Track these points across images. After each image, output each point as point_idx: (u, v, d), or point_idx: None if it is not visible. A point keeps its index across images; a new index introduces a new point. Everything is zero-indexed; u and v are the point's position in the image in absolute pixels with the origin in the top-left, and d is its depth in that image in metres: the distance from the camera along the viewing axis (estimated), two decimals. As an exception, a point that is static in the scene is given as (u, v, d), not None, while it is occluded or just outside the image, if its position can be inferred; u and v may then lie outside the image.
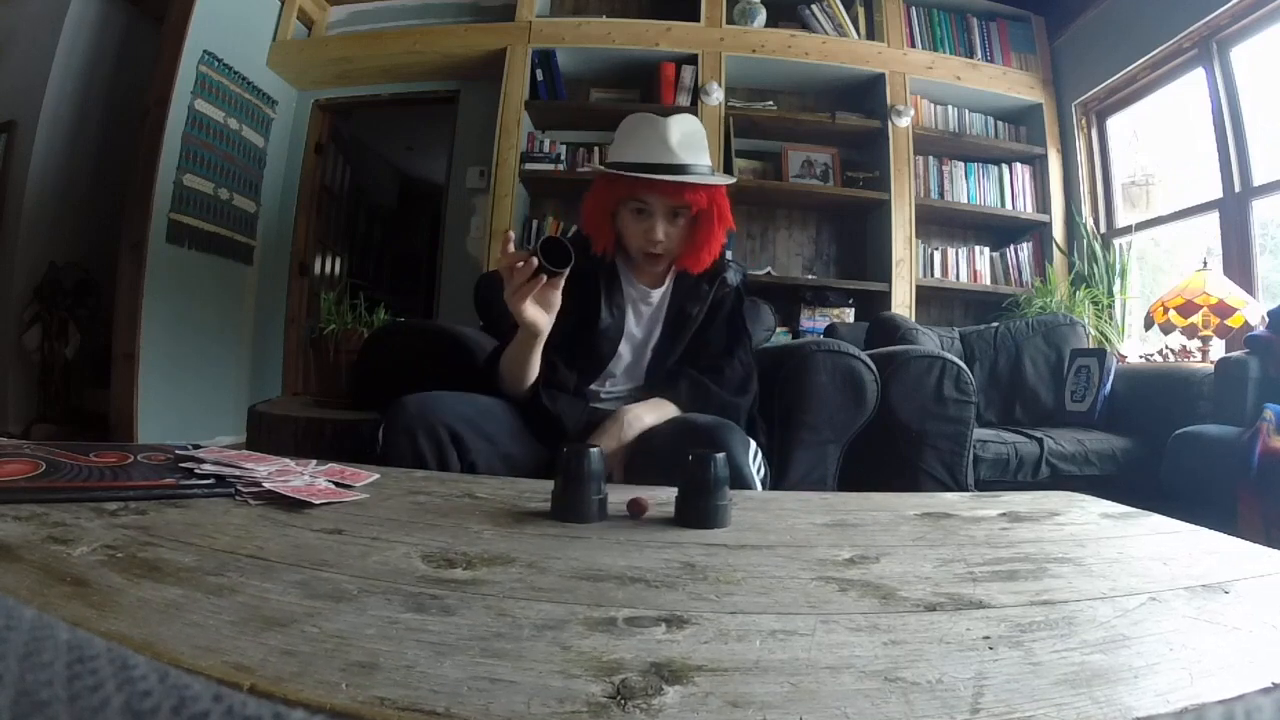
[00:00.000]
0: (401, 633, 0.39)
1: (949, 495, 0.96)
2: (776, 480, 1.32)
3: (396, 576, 0.48)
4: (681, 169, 1.11)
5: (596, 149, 3.16)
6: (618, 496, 0.75)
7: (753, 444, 1.08)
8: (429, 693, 0.32)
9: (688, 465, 0.71)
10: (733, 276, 1.26)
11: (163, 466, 0.74)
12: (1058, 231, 3.26)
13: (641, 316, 1.25)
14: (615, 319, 1.21)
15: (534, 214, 3.36)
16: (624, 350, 1.24)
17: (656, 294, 1.25)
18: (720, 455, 0.71)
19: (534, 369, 1.12)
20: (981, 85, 3.31)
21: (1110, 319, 2.88)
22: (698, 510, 0.70)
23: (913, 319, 2.81)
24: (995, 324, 2.68)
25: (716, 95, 3.11)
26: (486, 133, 3.22)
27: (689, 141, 1.14)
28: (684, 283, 1.24)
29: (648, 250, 1.17)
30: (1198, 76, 2.71)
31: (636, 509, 0.72)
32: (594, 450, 0.72)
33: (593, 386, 1.24)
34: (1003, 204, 3.36)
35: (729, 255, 1.30)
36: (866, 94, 3.37)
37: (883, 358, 1.67)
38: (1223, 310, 2.25)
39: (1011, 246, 3.33)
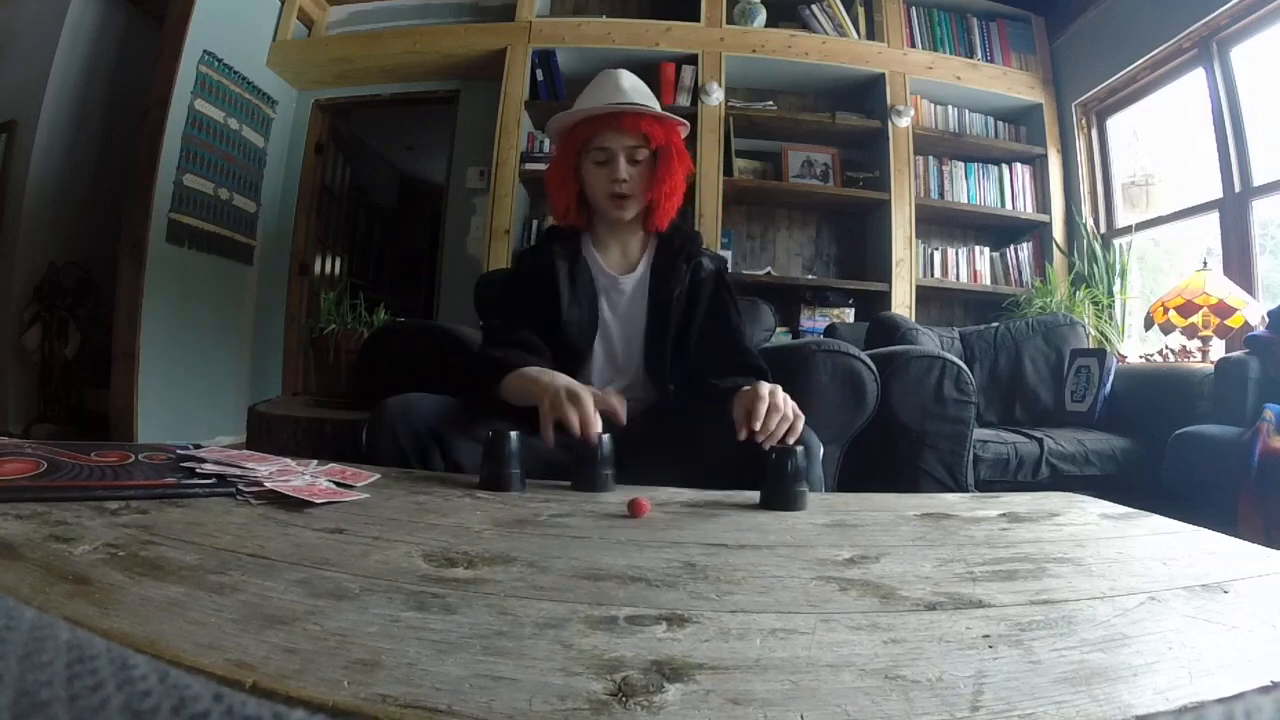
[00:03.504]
0: (403, 631, 0.39)
1: (949, 495, 0.96)
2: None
3: (398, 575, 0.48)
4: (634, 105, 1.16)
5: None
6: (620, 497, 0.75)
7: (822, 446, 1.09)
8: (431, 690, 0.32)
9: (773, 459, 0.80)
10: (708, 263, 1.24)
11: (164, 466, 0.74)
12: (1058, 231, 3.26)
13: (616, 307, 1.22)
14: (584, 310, 1.18)
15: (534, 214, 3.37)
16: (599, 345, 1.20)
17: (630, 281, 1.22)
18: (800, 449, 0.80)
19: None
20: (981, 85, 3.31)
21: (1110, 319, 2.88)
22: (784, 496, 0.78)
23: (913, 319, 2.81)
24: (995, 324, 2.68)
25: (716, 95, 3.11)
26: (486, 133, 3.23)
27: (640, 88, 1.20)
28: (660, 265, 1.22)
29: (613, 192, 1.16)
30: (1198, 76, 2.71)
31: (637, 510, 0.72)
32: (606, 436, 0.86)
33: None
34: (1003, 204, 3.36)
35: (705, 245, 1.29)
36: (866, 94, 3.37)
37: (883, 358, 1.67)
38: (1223, 310, 2.25)
39: (1011, 246, 3.33)
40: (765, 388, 0.94)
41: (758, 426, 0.89)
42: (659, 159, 1.18)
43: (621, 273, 1.23)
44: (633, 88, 1.18)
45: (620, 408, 0.94)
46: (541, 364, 1.06)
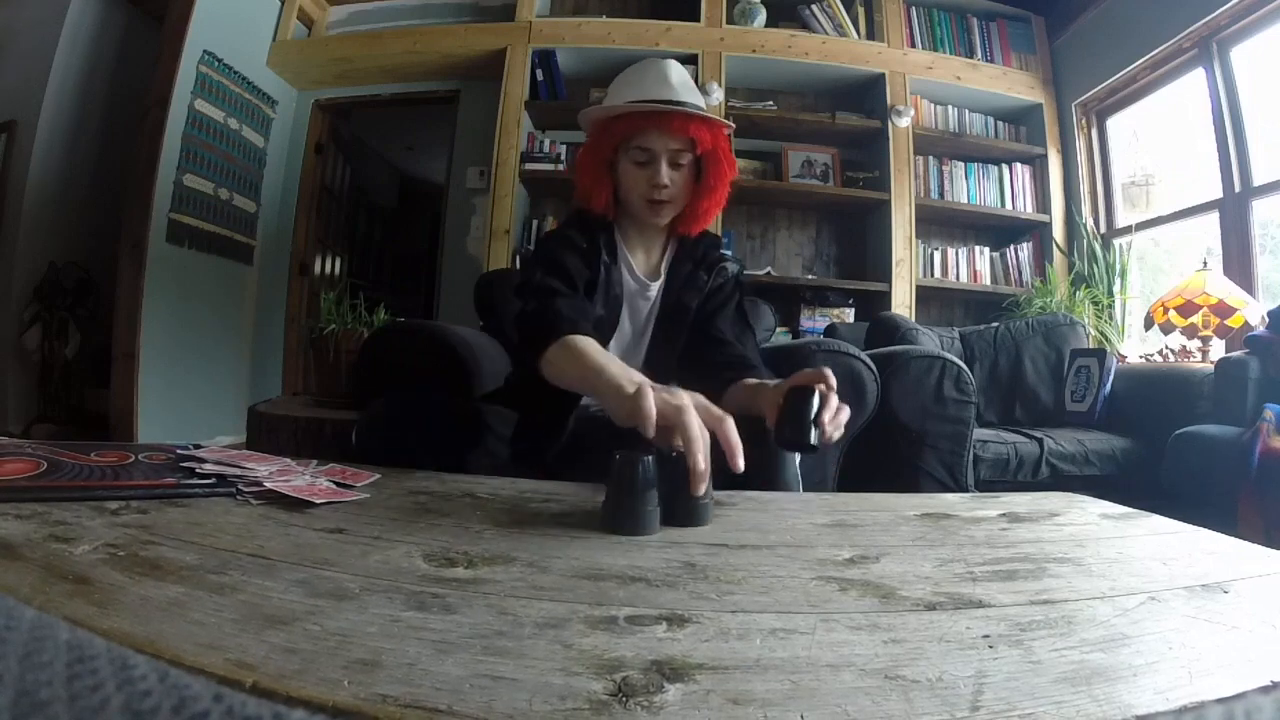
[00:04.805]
0: (403, 631, 0.39)
1: (949, 495, 0.96)
2: (775, 482, 1.31)
3: (398, 575, 0.48)
4: (683, 105, 1.07)
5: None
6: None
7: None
8: (431, 690, 0.32)
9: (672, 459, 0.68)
10: (732, 267, 1.21)
11: (163, 466, 0.74)
12: (1058, 231, 3.26)
13: (638, 313, 1.18)
14: (609, 313, 1.13)
15: (534, 214, 3.37)
16: (613, 349, 1.15)
17: (655, 287, 1.17)
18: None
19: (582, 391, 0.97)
20: (981, 85, 3.32)
21: (1110, 319, 2.88)
22: (683, 509, 0.68)
23: (913, 319, 2.81)
24: (995, 324, 2.69)
25: (716, 95, 3.11)
26: (486, 133, 3.23)
27: (688, 84, 1.11)
28: (679, 272, 1.17)
29: (651, 197, 1.08)
30: (1198, 76, 2.71)
31: None
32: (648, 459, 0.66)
33: None
34: (1003, 204, 3.36)
35: (726, 250, 1.25)
36: (866, 94, 3.37)
37: (883, 358, 1.67)
38: (1223, 310, 2.25)
39: (1011, 246, 3.33)
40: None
41: (831, 412, 0.79)
42: (705, 165, 1.11)
43: (648, 277, 1.18)
44: (682, 83, 1.09)
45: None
46: (600, 341, 0.91)
